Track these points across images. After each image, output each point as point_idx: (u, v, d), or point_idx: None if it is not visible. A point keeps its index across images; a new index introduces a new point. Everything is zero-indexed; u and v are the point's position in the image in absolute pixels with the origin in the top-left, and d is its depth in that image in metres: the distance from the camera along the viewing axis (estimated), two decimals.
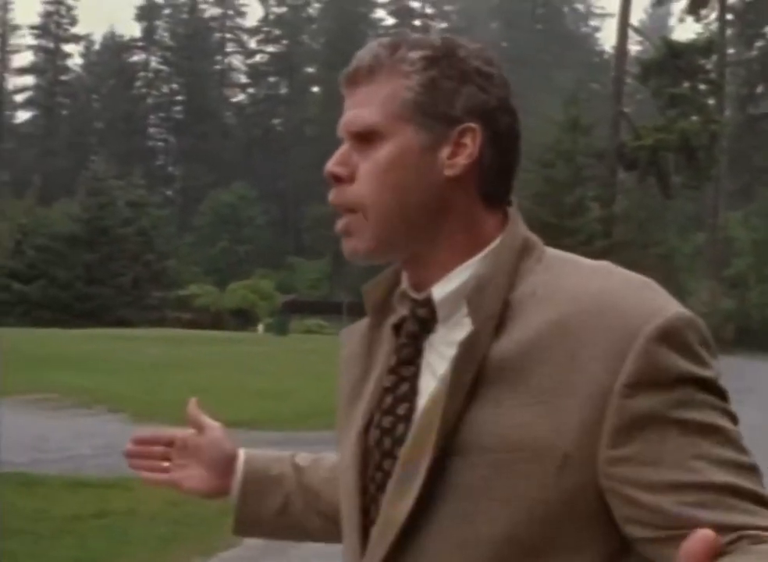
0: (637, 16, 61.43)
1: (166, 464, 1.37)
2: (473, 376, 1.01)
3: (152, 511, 7.01)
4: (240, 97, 74.20)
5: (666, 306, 0.99)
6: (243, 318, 41.94)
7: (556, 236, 31.51)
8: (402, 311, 1.14)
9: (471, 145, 1.06)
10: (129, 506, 7.10)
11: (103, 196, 45.38)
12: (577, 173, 33.80)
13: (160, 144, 72.95)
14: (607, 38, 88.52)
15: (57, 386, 15.63)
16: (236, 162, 64.70)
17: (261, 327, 37.33)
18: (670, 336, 0.96)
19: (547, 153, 33.90)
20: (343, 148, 1.10)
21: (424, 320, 1.10)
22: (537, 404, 0.98)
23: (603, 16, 78.51)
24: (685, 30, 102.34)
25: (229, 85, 74.32)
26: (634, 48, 47.62)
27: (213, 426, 1.35)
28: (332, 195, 1.11)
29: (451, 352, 1.04)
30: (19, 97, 72.96)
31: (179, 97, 71.35)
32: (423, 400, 1.06)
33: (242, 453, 1.37)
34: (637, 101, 53.27)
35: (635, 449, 0.95)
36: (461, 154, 1.06)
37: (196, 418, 1.35)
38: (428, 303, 1.09)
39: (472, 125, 1.07)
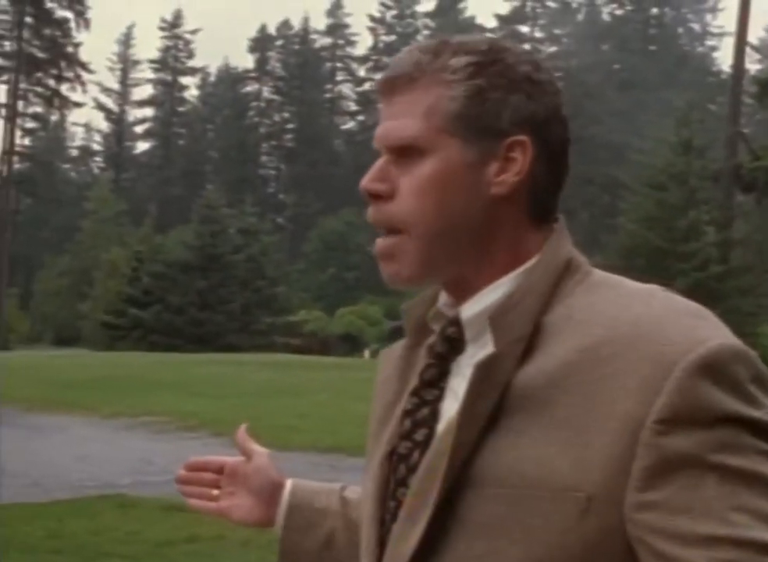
0: (755, 34, 59.75)
1: (216, 491, 1.31)
2: (494, 404, 0.93)
3: (243, 537, 6.98)
4: (350, 124, 75.20)
5: (711, 336, 0.89)
6: (351, 344, 42.15)
7: (669, 262, 30.66)
8: (436, 330, 1.05)
9: (521, 160, 0.98)
10: (220, 532, 7.07)
11: (215, 224, 46.47)
12: (690, 196, 32.83)
13: (271, 171, 74.47)
14: (724, 58, 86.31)
15: (165, 409, 15.96)
16: (345, 189, 65.44)
17: (367, 353, 37.44)
18: (713, 369, 0.87)
19: (659, 176, 33.10)
20: (380, 163, 1.02)
21: (453, 339, 1.01)
22: (561, 439, 0.89)
23: (721, 35, 76.51)
24: None
25: (339, 113, 75.44)
26: (752, 66, 46.28)
27: (261, 453, 1.30)
28: (372, 213, 1.02)
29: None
30: (139, 129, 75.73)
31: (291, 126, 72.77)
32: (443, 424, 0.98)
33: (289, 483, 1.29)
34: (755, 122, 51.62)
35: (666, 495, 0.86)
36: (510, 170, 0.98)
37: (244, 444, 1.31)
38: (458, 322, 1.01)
39: (521, 138, 0.98)
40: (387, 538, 1.00)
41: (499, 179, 0.98)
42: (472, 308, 1.00)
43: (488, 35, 1.06)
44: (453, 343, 1.02)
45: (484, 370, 0.93)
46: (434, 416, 1.00)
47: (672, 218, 32.35)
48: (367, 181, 1.02)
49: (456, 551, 0.92)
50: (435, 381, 1.02)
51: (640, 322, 0.90)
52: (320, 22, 77.22)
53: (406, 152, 1.00)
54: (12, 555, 6.41)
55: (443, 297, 1.06)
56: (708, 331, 0.89)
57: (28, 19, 57.00)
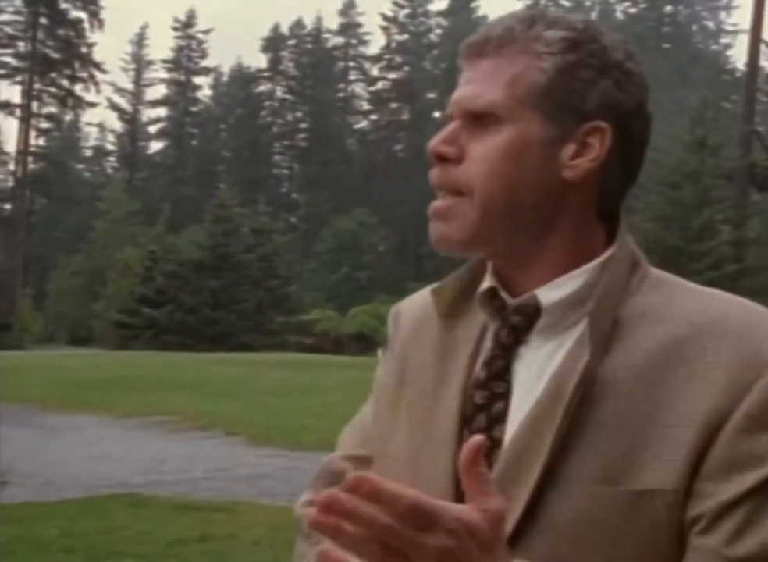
0: None
1: None
2: (579, 398, 0.91)
3: (255, 536, 6.95)
4: (363, 123, 75.15)
5: None
6: (363, 343, 42.13)
7: (683, 260, 30.49)
8: (480, 314, 1.00)
9: (599, 147, 0.96)
10: (232, 531, 7.05)
11: (228, 223, 46.54)
12: (704, 195, 32.69)
13: (284, 171, 74.51)
14: (739, 55, 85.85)
15: (178, 408, 15.97)
16: (358, 189, 65.46)
17: (380, 352, 37.42)
18: None
19: (672, 174, 32.96)
20: (453, 126, 0.98)
21: (518, 329, 0.97)
22: (645, 433, 0.88)
23: (735, 32, 76.12)
24: None
25: (352, 112, 75.40)
26: (767, 64, 45.97)
27: None
28: (437, 175, 0.98)
29: (546, 367, 0.94)
30: (152, 129, 75.89)
31: (303, 125, 72.78)
32: (513, 421, 0.95)
33: None
34: None
35: (719, 489, 0.85)
36: (585, 155, 0.95)
37: None
38: (525, 309, 0.97)
39: (603, 124, 0.95)
40: None
41: (573, 163, 0.95)
42: (552, 295, 0.96)
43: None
44: (518, 334, 0.98)
45: (588, 371, 0.90)
46: (507, 411, 0.96)
47: (686, 216, 32.22)
48: (436, 142, 0.97)
49: (540, 554, 0.88)
50: (503, 373, 0.98)
51: (729, 321, 0.90)
52: (333, 21, 77.25)
53: (481, 119, 0.96)
54: (24, 554, 6.41)
55: (491, 280, 1.01)
56: None
57: (42, 20, 57.25)
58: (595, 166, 0.95)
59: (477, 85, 0.97)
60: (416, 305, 1.12)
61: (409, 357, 1.09)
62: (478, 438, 0.76)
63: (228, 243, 46.14)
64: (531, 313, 0.97)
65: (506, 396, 0.97)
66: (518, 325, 0.97)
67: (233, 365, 25.98)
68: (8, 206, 58.55)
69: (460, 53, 1.01)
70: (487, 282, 1.02)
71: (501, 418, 0.96)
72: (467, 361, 1.01)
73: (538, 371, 0.95)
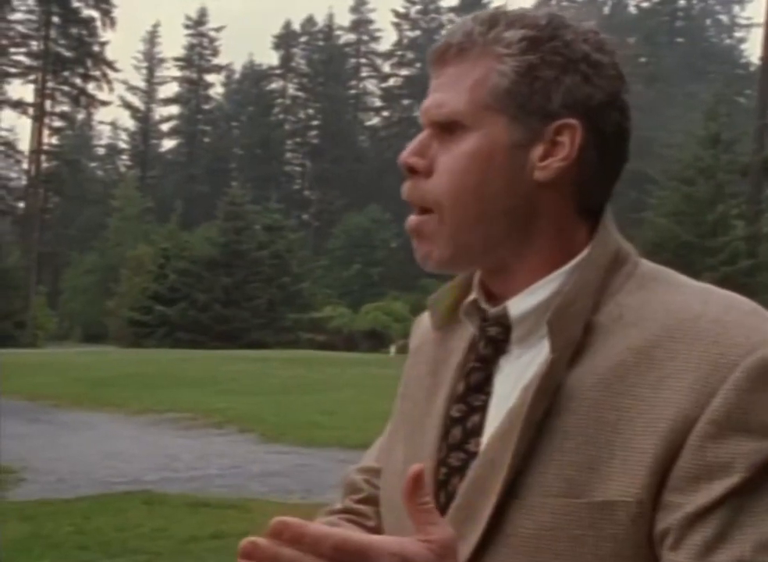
0: None
1: None
2: (545, 408, 0.88)
3: None
4: (374, 120, 75.15)
5: None
6: (376, 340, 42.14)
7: (696, 256, 30.37)
8: (469, 325, 0.99)
9: (569, 145, 0.92)
10: (246, 529, 7.03)
11: (240, 220, 46.62)
12: (718, 190, 32.55)
13: (296, 168, 74.57)
14: (753, 49, 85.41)
15: (191, 406, 16.01)
16: (370, 185, 65.46)
17: (393, 349, 37.42)
18: None
19: (686, 170, 32.82)
20: (422, 136, 0.96)
21: (496, 340, 0.96)
22: (611, 442, 0.85)
23: (749, 26, 75.73)
24: None
25: (364, 109, 75.39)
26: None
27: None
28: (406, 189, 0.97)
29: (522, 377, 0.92)
30: (164, 127, 76.10)
31: (315, 122, 72.83)
32: (489, 433, 0.93)
33: None
34: None
35: (688, 500, 0.81)
36: (556, 154, 0.92)
37: None
38: (502, 320, 0.95)
39: (571, 121, 0.92)
40: None
41: (543, 164, 0.92)
42: (521, 305, 0.93)
43: (553, 9, 0.97)
44: (497, 345, 0.95)
45: (545, 380, 0.88)
46: (484, 424, 0.94)
47: (700, 212, 32.09)
48: (406, 154, 0.96)
49: None
50: (481, 385, 0.96)
51: (698, 322, 0.86)
52: (344, 18, 77.47)
53: (449, 128, 0.94)
54: (39, 551, 6.42)
55: (477, 289, 1.00)
56: None
57: (55, 19, 57.44)
58: (566, 164, 0.92)
59: (441, 94, 0.95)
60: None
61: (410, 369, 1.09)
62: (416, 467, 0.74)
63: (240, 240, 46.23)
64: (508, 323, 0.95)
65: (483, 408, 0.95)
66: (496, 337, 0.96)
67: (246, 362, 26.03)
68: (21, 204, 58.81)
69: (427, 61, 0.99)
70: (472, 294, 1.00)
71: (477, 432, 0.94)
72: (455, 372, 0.99)
73: (514, 381, 0.93)
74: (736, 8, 76.95)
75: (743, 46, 77.47)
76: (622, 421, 0.85)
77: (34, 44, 58.19)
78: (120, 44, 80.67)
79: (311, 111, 73.35)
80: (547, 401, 0.87)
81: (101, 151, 77.68)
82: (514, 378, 0.93)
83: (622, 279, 0.92)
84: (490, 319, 0.96)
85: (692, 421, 0.82)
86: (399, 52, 72.98)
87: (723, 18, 78.23)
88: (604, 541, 0.83)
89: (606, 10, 74.11)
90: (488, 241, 0.93)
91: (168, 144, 76.96)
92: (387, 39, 77.34)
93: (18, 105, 56.57)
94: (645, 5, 73.60)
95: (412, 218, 0.96)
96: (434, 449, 0.97)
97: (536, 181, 0.92)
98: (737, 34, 77.91)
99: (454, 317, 1.02)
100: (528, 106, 0.92)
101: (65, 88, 59.05)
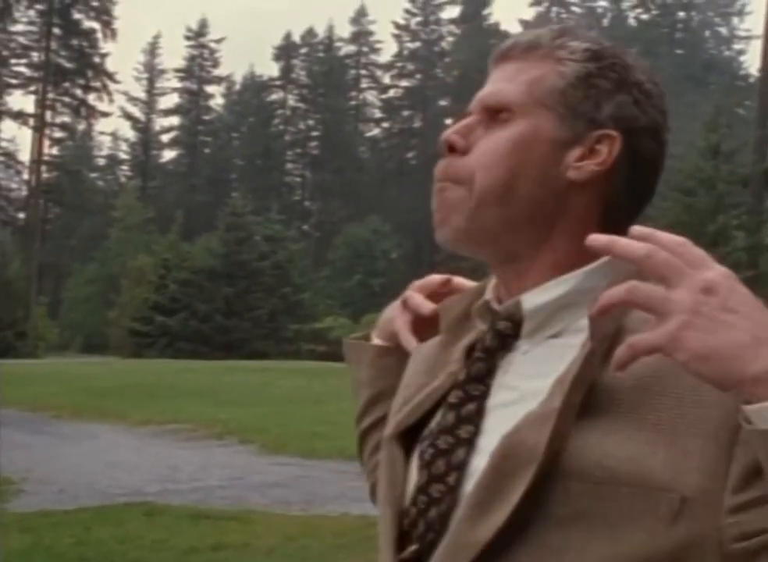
0: None
1: None
2: (580, 401, 0.89)
3: (268, 545, 6.94)
4: (375, 131, 75.24)
5: None
6: None
7: None
8: (480, 327, 1.02)
9: (606, 154, 0.97)
10: (246, 540, 7.04)
11: (241, 231, 46.63)
12: (719, 201, 32.59)
13: (297, 179, 74.62)
14: (752, 61, 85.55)
15: (192, 416, 15.98)
16: (371, 196, 65.51)
17: None
18: None
19: (687, 181, 32.87)
20: (469, 119, 1.01)
21: (505, 335, 0.98)
22: (653, 441, 0.86)
23: (748, 38, 75.90)
24: None
25: (364, 120, 75.49)
26: None
27: None
28: (440, 166, 1.00)
29: (539, 372, 0.94)
30: (165, 137, 76.17)
31: (316, 133, 72.90)
32: (494, 422, 0.95)
33: None
34: None
35: (762, 493, 0.82)
36: (593, 159, 0.96)
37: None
38: (512, 316, 0.97)
39: (613, 133, 0.97)
40: (413, 532, 0.95)
41: (578, 164, 0.96)
42: (535, 299, 0.96)
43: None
44: (505, 339, 0.98)
45: (585, 365, 0.89)
46: (479, 413, 0.95)
47: (701, 223, 32.10)
48: (449, 132, 0.99)
49: (533, 541, 0.88)
50: (482, 377, 0.97)
51: None
52: (344, 29, 77.54)
53: (497, 115, 0.98)
54: None
55: (490, 293, 1.02)
56: None
57: (55, 30, 57.58)
58: (600, 170, 0.95)
59: (499, 84, 1.00)
60: None
61: (411, 363, 1.12)
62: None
63: (241, 250, 46.22)
64: (518, 319, 0.97)
65: (481, 398, 0.96)
66: (504, 331, 0.98)
67: (247, 373, 25.99)
68: (22, 215, 58.85)
69: (490, 60, 1.04)
70: (486, 296, 1.03)
71: (470, 419, 0.95)
72: (454, 367, 1.02)
73: (525, 374, 0.95)
74: (735, 21, 77.15)
75: (742, 58, 77.53)
76: (664, 421, 0.86)
77: (35, 56, 58.34)
78: (121, 56, 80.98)
79: (311, 122, 73.44)
80: (582, 395, 0.88)
81: (102, 161, 77.75)
82: (526, 372, 0.95)
83: None
84: (501, 314, 0.98)
85: (738, 423, 0.82)
86: (399, 64, 73.11)
87: (723, 30, 78.42)
88: (642, 531, 0.84)
89: (606, 22, 74.30)
90: (509, 225, 0.96)
91: (168, 154, 77.11)
92: (387, 50, 77.56)
93: (19, 116, 56.65)
94: (644, 17, 73.81)
95: (437, 191, 0.99)
96: (426, 432, 0.99)
97: (568, 180, 0.96)
98: (737, 46, 78.14)
99: (463, 324, 1.04)
100: (578, 109, 0.97)
101: (66, 99, 59.15)
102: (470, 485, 0.92)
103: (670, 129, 1.01)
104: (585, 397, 0.89)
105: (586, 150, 0.96)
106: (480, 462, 0.92)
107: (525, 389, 0.93)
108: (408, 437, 1.02)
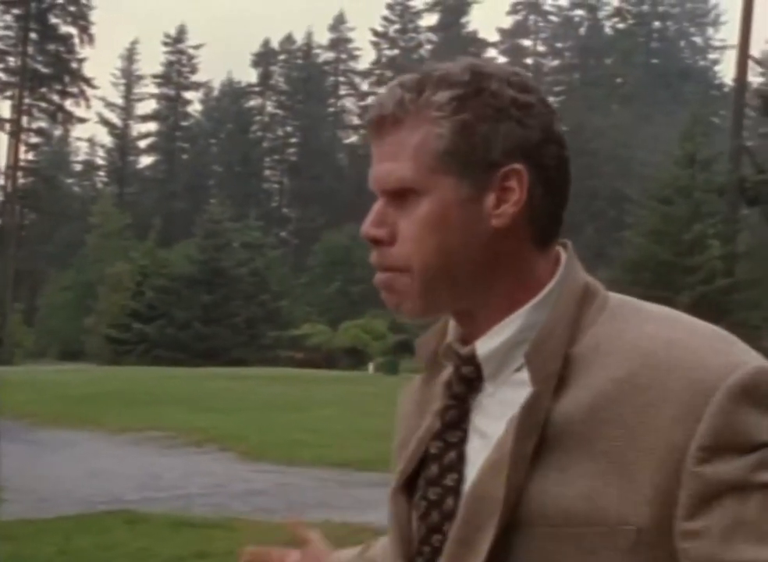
0: (758, 47, 59.47)
1: None
2: (534, 442, 0.91)
3: None
4: (353, 138, 75.27)
5: (745, 359, 0.90)
6: (355, 358, 42.08)
7: (675, 275, 30.58)
8: (449, 366, 1.03)
9: (518, 189, 0.96)
10: (230, 548, 7.00)
11: (219, 238, 46.52)
12: (696, 209, 32.85)
13: (275, 185, 74.53)
14: (727, 71, 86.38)
15: (171, 424, 15.91)
16: (349, 203, 65.50)
17: (371, 366, 37.35)
18: (751, 393, 0.87)
19: (664, 189, 33.11)
20: (378, 206, 1.00)
21: (470, 379, 0.99)
22: (604, 472, 0.88)
23: (723, 48, 76.64)
24: None
25: (342, 127, 75.55)
26: (755, 79, 46.25)
27: (316, 540, 1.31)
28: (374, 257, 1.01)
29: (503, 413, 0.95)
30: (142, 143, 75.85)
31: (294, 140, 72.87)
32: (472, 468, 0.96)
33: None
34: (759, 135, 51.60)
35: (710, 522, 0.85)
36: (508, 200, 0.96)
37: (299, 533, 1.31)
38: (473, 360, 0.99)
39: (516, 166, 0.95)
40: None
41: (498, 211, 0.95)
42: (487, 345, 0.98)
43: (471, 59, 1.02)
44: (471, 383, 0.99)
45: (528, 411, 0.91)
46: (461, 459, 0.98)
47: (677, 231, 32.35)
48: (367, 227, 1.00)
49: None
50: (457, 422, 1.00)
51: (674, 350, 0.90)
52: (323, 36, 77.47)
53: (402, 194, 0.98)
54: None
55: (453, 332, 1.04)
56: (741, 355, 0.90)
57: (32, 35, 57.26)
58: (520, 208, 0.96)
59: (387, 163, 0.99)
60: None
61: (400, 407, 1.14)
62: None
63: (219, 257, 46.10)
64: (478, 362, 0.99)
65: (460, 445, 0.98)
66: (468, 375, 0.99)
67: (226, 380, 25.91)
68: None
69: (367, 130, 1.02)
70: (448, 337, 1.05)
71: (453, 467, 0.98)
72: (436, 405, 1.04)
73: (492, 416, 0.96)
74: (710, 31, 77.88)
75: (717, 67, 78.25)
76: (613, 451, 0.88)
77: (12, 60, 58.01)
78: (98, 61, 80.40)
79: (289, 128, 73.40)
80: (536, 435, 0.90)
81: (78, 167, 77.31)
82: (491, 412, 0.97)
83: (595, 311, 0.96)
84: (463, 359, 1.00)
85: (683, 450, 0.85)
86: (377, 71, 73.24)
87: (698, 40, 79.12)
88: None
89: (582, 31, 74.79)
90: (456, 292, 0.98)
91: (146, 160, 76.78)
92: (366, 57, 77.40)
93: None
94: (620, 26, 74.33)
95: (381, 276, 1.00)
96: (420, 482, 1.02)
97: (494, 228, 0.96)
98: (711, 56, 78.85)
99: (437, 359, 1.06)
100: (471, 161, 0.95)
101: (43, 104, 58.82)
102: None
103: (559, 115, 1.00)
104: (539, 433, 0.91)
105: (498, 192, 0.95)
106: None
107: (493, 432, 0.95)
108: (412, 484, 1.05)
